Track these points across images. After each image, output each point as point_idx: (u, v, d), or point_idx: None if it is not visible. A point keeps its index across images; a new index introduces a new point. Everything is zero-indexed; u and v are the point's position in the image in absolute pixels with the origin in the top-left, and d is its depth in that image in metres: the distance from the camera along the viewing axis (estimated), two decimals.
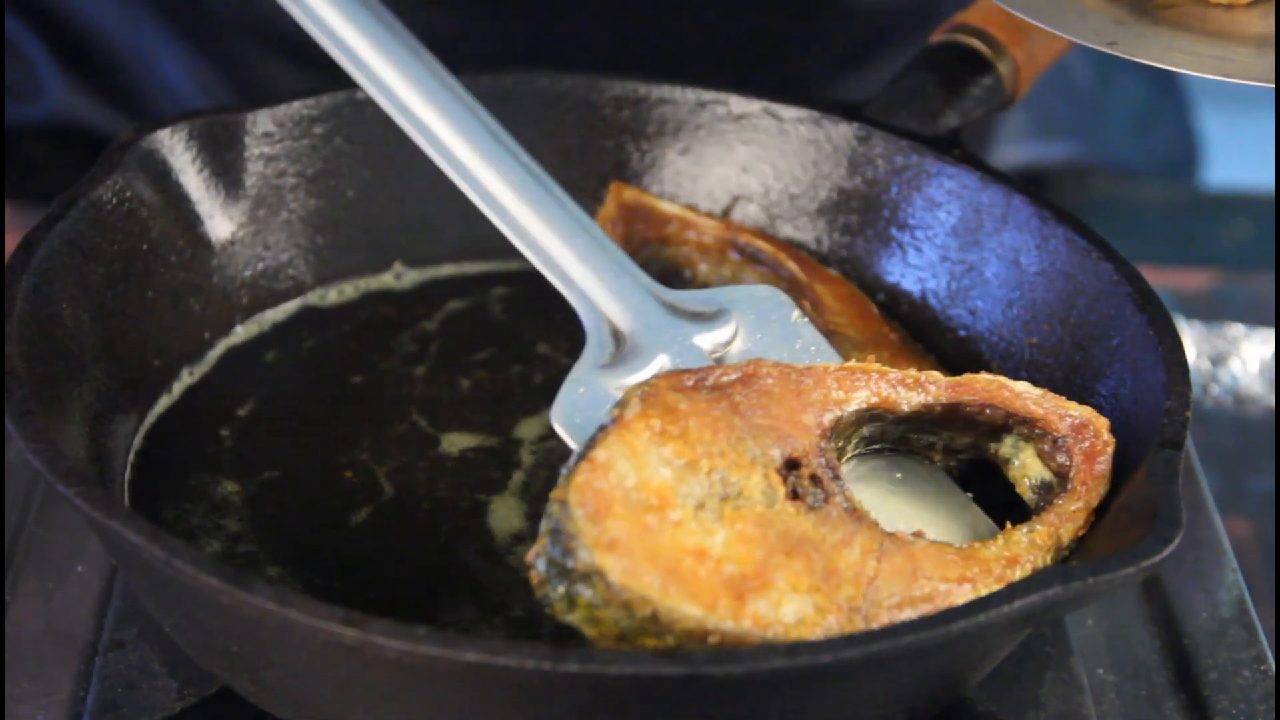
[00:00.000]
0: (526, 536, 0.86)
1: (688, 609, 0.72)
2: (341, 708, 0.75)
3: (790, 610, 0.73)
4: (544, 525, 0.73)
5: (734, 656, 0.70)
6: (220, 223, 0.95)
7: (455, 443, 0.91)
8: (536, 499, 0.88)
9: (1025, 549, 0.78)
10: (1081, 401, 0.88)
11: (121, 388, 0.89)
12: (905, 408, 0.82)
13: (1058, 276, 0.92)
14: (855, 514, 0.77)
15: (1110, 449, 0.81)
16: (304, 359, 0.96)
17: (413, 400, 0.94)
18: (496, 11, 1.23)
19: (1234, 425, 1.10)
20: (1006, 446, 0.84)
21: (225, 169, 0.95)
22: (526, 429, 0.93)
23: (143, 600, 0.83)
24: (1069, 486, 0.81)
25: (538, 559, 0.73)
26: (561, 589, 0.73)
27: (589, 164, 1.02)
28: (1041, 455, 0.83)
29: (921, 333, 0.96)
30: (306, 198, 0.98)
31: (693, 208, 1.00)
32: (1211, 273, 1.22)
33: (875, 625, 0.74)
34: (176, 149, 0.94)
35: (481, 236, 1.01)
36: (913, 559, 0.76)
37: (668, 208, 1.00)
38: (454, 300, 1.00)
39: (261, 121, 0.97)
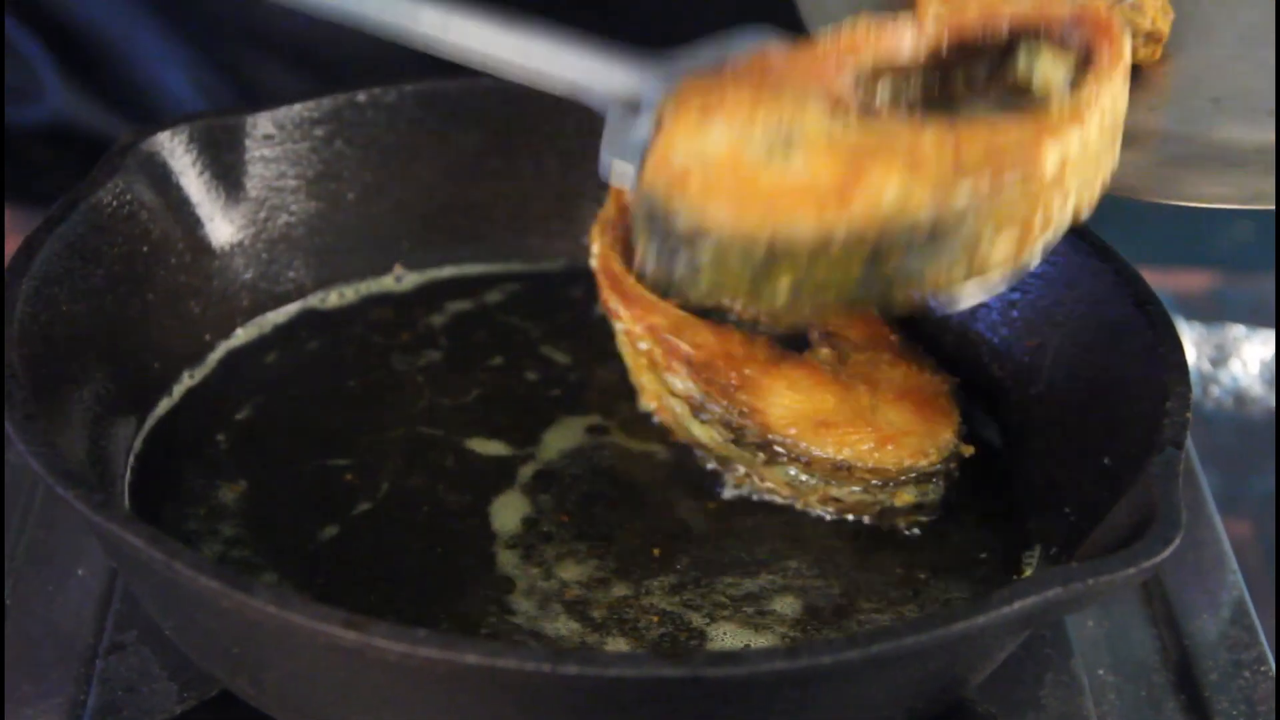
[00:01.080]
0: (525, 539, 0.86)
1: (798, 225, 0.73)
2: (342, 710, 0.75)
3: (891, 193, 0.74)
4: (637, 233, 0.76)
5: (734, 658, 0.70)
6: (221, 225, 0.95)
7: (456, 444, 0.92)
8: (539, 496, 0.89)
9: (1087, 100, 0.77)
10: (1081, 404, 0.88)
11: (122, 390, 0.89)
12: (908, 52, 0.81)
13: (1058, 279, 0.92)
14: (912, 117, 0.79)
15: (1116, 12, 0.81)
16: (305, 361, 0.96)
17: (413, 403, 0.94)
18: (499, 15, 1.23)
19: (1234, 426, 1.10)
20: (1022, 62, 0.82)
21: (226, 172, 0.95)
22: (528, 432, 0.93)
23: (143, 603, 0.83)
24: (1095, 51, 0.79)
25: (644, 263, 0.76)
26: (680, 266, 0.75)
27: (590, 165, 1.01)
28: (1058, 52, 0.81)
29: (922, 334, 0.96)
30: (307, 200, 0.99)
31: None
32: (1212, 274, 1.22)
33: (967, 180, 0.74)
34: (177, 152, 0.94)
35: (481, 238, 1.01)
36: (988, 125, 0.76)
37: None
38: (454, 302, 1.00)
39: (262, 124, 0.97)
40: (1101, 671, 0.88)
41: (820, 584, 0.85)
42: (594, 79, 0.85)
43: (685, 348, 0.91)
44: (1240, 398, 1.10)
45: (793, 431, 0.88)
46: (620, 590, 0.84)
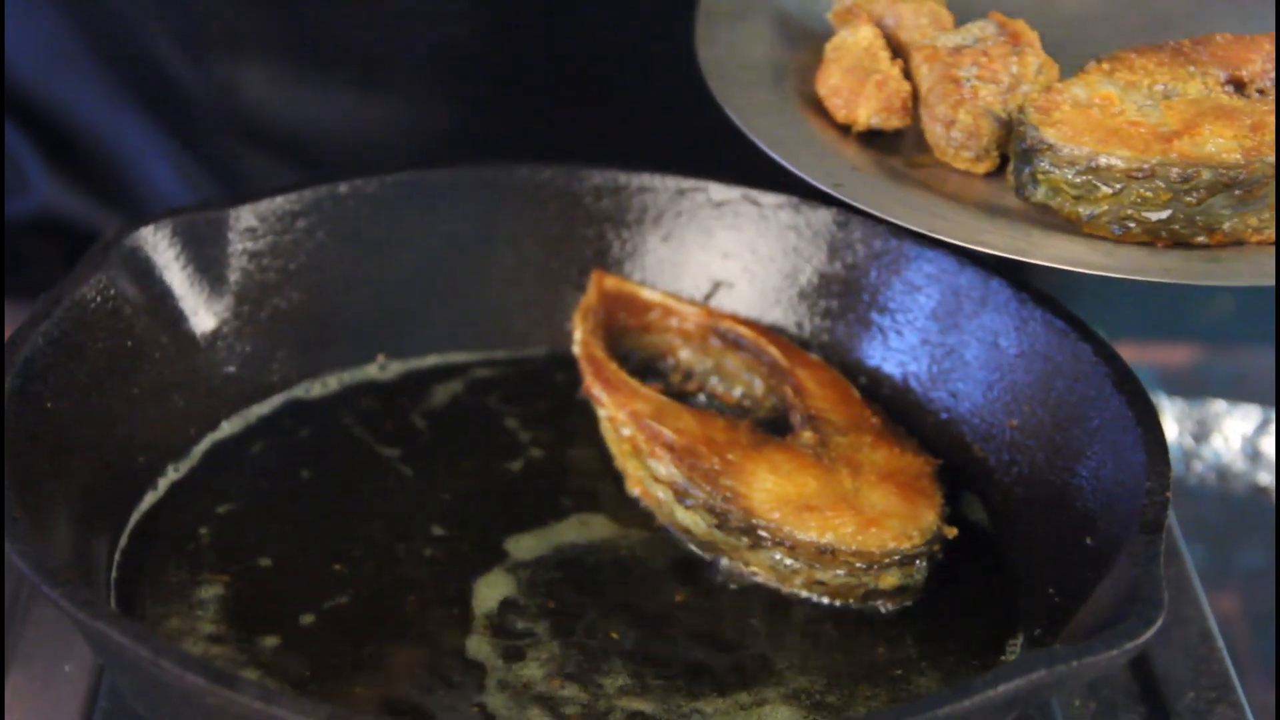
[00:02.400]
0: (504, 629, 0.86)
1: (1119, 153, 0.87)
2: None
3: (1213, 146, 0.88)
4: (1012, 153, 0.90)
5: None
6: (204, 318, 0.96)
7: (439, 534, 0.92)
8: (522, 586, 0.89)
9: None
10: (1063, 483, 0.88)
11: (107, 485, 0.89)
12: None
13: (1037, 358, 0.92)
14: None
15: None
16: (289, 452, 0.96)
17: (398, 492, 0.94)
18: (473, 103, 1.24)
19: (1218, 500, 1.11)
20: None
21: (209, 265, 0.96)
22: (512, 519, 0.93)
23: (129, 699, 0.83)
24: None
25: (1013, 173, 0.90)
26: (1026, 172, 0.89)
27: (571, 252, 1.03)
28: None
29: (903, 415, 0.96)
30: (289, 291, 0.99)
31: (674, 295, 1.01)
32: (1193, 348, 1.22)
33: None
34: (160, 246, 0.94)
35: (463, 326, 1.02)
36: None
37: (649, 295, 1.00)
38: (437, 391, 1.00)
39: (244, 217, 0.97)
40: None
41: (806, 671, 0.85)
42: None
43: (667, 434, 0.92)
44: (1223, 473, 1.10)
45: (776, 516, 0.88)
46: (598, 685, 0.84)
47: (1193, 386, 1.17)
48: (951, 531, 0.89)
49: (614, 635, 0.86)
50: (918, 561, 0.88)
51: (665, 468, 0.91)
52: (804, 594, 0.89)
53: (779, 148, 0.93)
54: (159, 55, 1.25)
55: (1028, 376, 0.93)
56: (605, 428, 0.96)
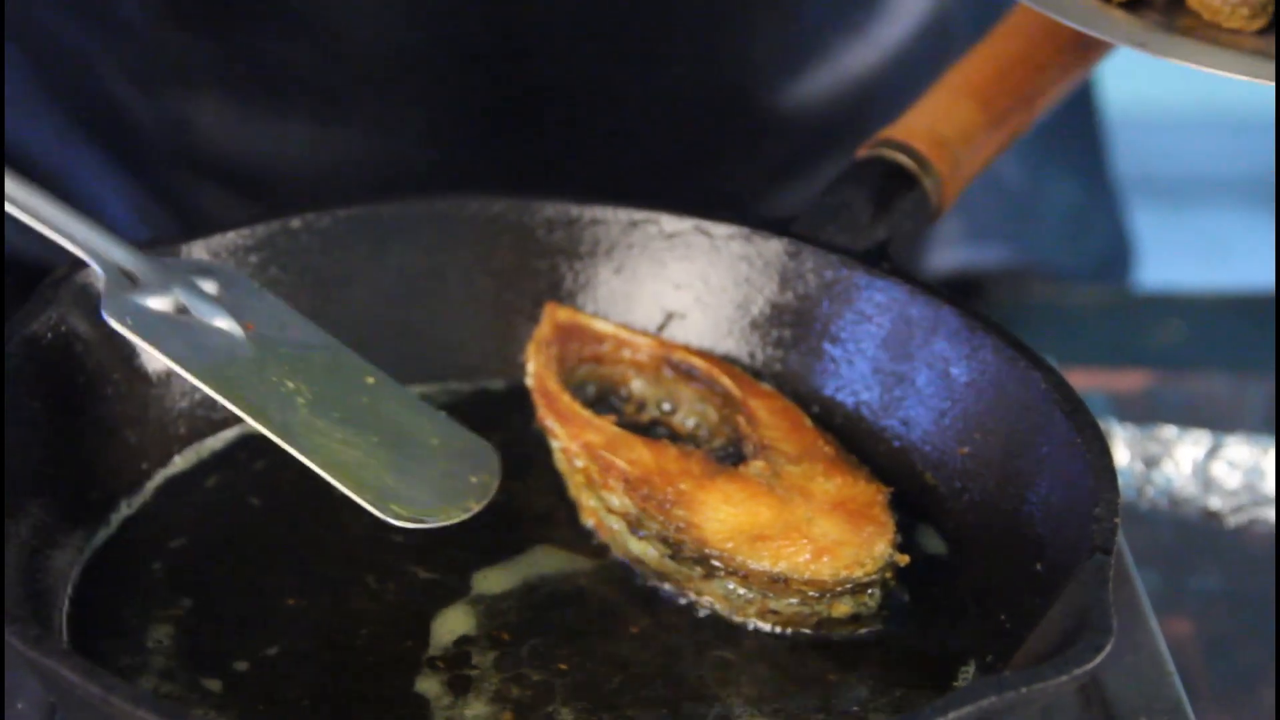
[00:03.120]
0: (457, 664, 0.86)
1: None
2: None
3: None
4: None
5: None
6: (155, 355, 0.96)
7: (396, 568, 0.92)
8: (479, 620, 0.89)
9: None
10: (1014, 510, 0.89)
11: (59, 522, 0.89)
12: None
13: (987, 386, 0.93)
14: None
15: None
16: (243, 488, 0.96)
17: (353, 526, 0.94)
18: (428, 135, 1.24)
19: (1171, 526, 1.11)
20: None
21: None
22: (469, 553, 0.93)
23: None
24: None
25: None
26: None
27: (524, 285, 1.03)
28: None
29: (856, 444, 0.97)
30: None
31: (627, 326, 1.01)
32: (1146, 374, 1.23)
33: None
34: None
35: (417, 358, 1.02)
36: None
37: (602, 326, 1.01)
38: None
39: (196, 252, 0.97)
40: None
41: (759, 702, 0.85)
42: (100, 250, 0.92)
43: (621, 464, 0.92)
44: (1174, 498, 1.10)
45: (729, 545, 0.89)
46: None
47: (1144, 412, 1.17)
48: (904, 559, 0.89)
49: (562, 667, 0.86)
50: (870, 590, 0.88)
51: (618, 499, 0.92)
52: (757, 624, 0.89)
53: (1069, 13, 0.93)
54: (110, 88, 1.25)
55: (979, 404, 0.93)
56: (559, 459, 0.96)
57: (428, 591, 0.90)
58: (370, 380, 0.95)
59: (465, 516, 0.90)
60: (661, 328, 1.02)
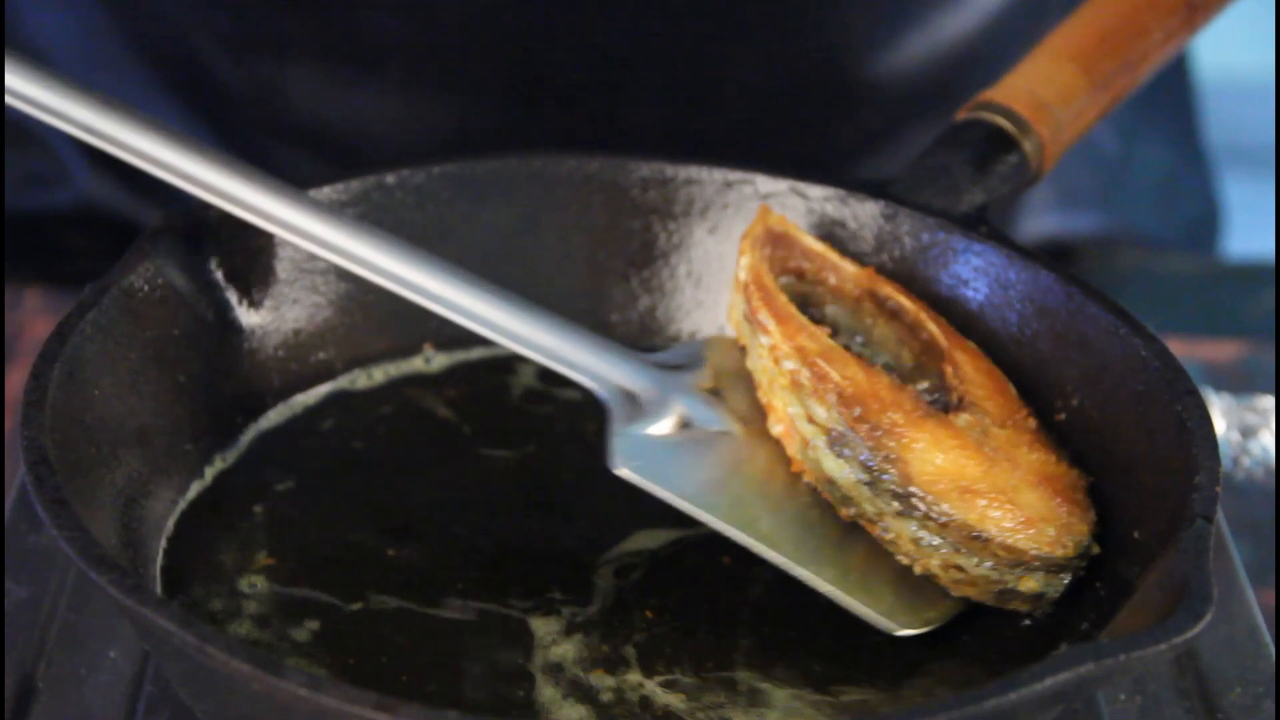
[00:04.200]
0: (570, 629, 0.86)
1: None
2: None
3: None
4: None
5: None
6: (250, 307, 0.96)
7: (490, 534, 0.91)
8: (591, 582, 0.89)
9: None
10: (1111, 479, 0.88)
11: (154, 473, 0.89)
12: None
13: (1085, 351, 0.92)
14: None
15: None
16: (336, 443, 0.96)
17: (449, 482, 0.94)
18: (519, 98, 1.24)
19: (1266, 497, 1.10)
20: None
21: (255, 254, 0.96)
22: (565, 511, 0.93)
23: (175, 686, 0.83)
24: None
25: None
26: None
27: (617, 245, 1.03)
28: None
29: None
30: (335, 281, 0.99)
31: (839, 250, 0.98)
32: (1240, 344, 1.22)
33: None
34: (207, 235, 0.94)
35: None
36: None
37: (812, 244, 0.97)
38: (484, 383, 1.00)
39: None
40: None
41: (852, 682, 0.85)
42: (600, 372, 0.91)
43: (836, 376, 0.89)
44: (1271, 469, 1.09)
45: (938, 487, 0.85)
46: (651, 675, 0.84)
47: (1240, 382, 1.16)
48: (1097, 549, 0.87)
49: (691, 642, 0.86)
50: (1063, 573, 0.86)
51: (826, 410, 0.88)
52: (937, 574, 0.87)
53: None
54: (200, 54, 1.26)
55: (1075, 369, 0.92)
56: (759, 357, 0.92)
57: (525, 552, 0.90)
58: None
59: (959, 611, 0.87)
60: None
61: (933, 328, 0.94)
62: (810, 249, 0.97)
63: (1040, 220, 1.38)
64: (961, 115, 1.00)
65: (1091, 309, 0.92)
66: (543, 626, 0.86)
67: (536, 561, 0.90)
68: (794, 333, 0.91)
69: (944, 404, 0.91)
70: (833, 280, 0.97)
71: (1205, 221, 1.51)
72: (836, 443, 0.88)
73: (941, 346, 0.93)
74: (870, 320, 0.96)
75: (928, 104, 1.28)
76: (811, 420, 0.89)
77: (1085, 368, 0.92)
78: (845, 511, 0.88)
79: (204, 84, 1.27)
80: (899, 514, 0.86)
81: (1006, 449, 0.88)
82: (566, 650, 0.85)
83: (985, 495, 0.85)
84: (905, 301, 0.95)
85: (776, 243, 0.96)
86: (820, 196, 1.00)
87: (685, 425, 0.90)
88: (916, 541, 0.86)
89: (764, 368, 0.92)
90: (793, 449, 0.90)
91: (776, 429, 0.91)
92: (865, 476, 0.87)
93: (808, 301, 0.97)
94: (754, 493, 0.88)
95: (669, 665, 0.85)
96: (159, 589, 0.87)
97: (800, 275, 0.97)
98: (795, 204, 1.01)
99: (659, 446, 0.89)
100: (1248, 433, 1.10)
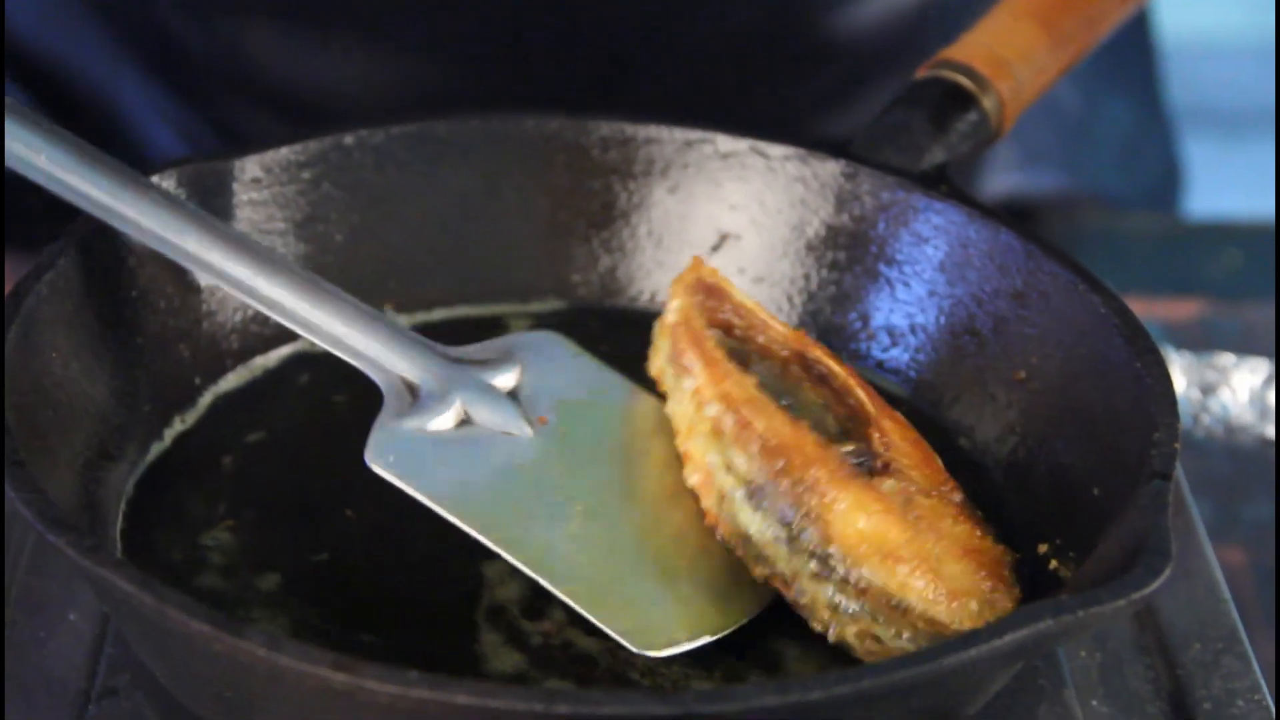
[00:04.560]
0: (517, 581, 0.86)
1: None
2: None
3: None
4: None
5: (725, 695, 0.70)
6: None
7: None
8: None
9: None
10: (1071, 436, 0.88)
11: (112, 436, 0.89)
12: None
13: (1045, 309, 0.92)
14: None
15: None
16: (295, 405, 0.96)
17: None
18: (480, 58, 1.24)
19: (1226, 454, 1.11)
20: None
21: (215, 214, 0.95)
22: None
23: (135, 647, 0.83)
24: None
25: None
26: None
27: (578, 205, 1.02)
28: None
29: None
30: (295, 242, 0.99)
31: (765, 309, 0.94)
32: (1200, 302, 1.22)
33: None
34: None
35: (470, 280, 1.01)
36: None
37: (743, 299, 0.93)
38: (446, 343, 0.99)
39: (249, 168, 0.97)
40: (1095, 702, 0.88)
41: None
42: (380, 360, 0.90)
43: (761, 426, 0.85)
44: (1230, 426, 1.10)
45: (861, 550, 0.82)
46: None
47: (1200, 340, 1.16)
48: None
49: None
50: None
51: (746, 461, 0.85)
52: (850, 644, 0.83)
53: None
54: (160, 11, 1.25)
55: (1034, 327, 0.92)
56: (680, 401, 0.89)
57: None
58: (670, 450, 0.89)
59: (718, 636, 0.83)
60: (716, 249, 1.01)
61: (860, 394, 0.90)
62: (741, 304, 0.93)
63: (1001, 179, 1.38)
64: (921, 73, 1.00)
65: (1051, 266, 0.92)
66: (505, 595, 0.86)
67: None
68: (720, 378, 0.87)
69: (869, 468, 0.86)
70: (761, 339, 0.92)
71: (1166, 181, 1.51)
72: (755, 495, 0.84)
73: (869, 413, 0.89)
74: (796, 383, 0.91)
75: (888, 62, 1.28)
76: (730, 470, 0.85)
77: (1044, 326, 0.92)
78: (759, 570, 0.84)
79: (164, 43, 1.27)
80: (816, 575, 0.82)
81: (931, 518, 0.84)
82: (509, 595, 0.85)
83: (907, 562, 0.81)
84: (834, 366, 0.91)
85: (709, 292, 0.93)
86: (780, 155, 1.00)
87: (465, 423, 0.88)
88: (834, 607, 0.82)
89: (684, 413, 0.88)
90: (708, 501, 0.86)
91: (693, 479, 0.87)
92: (783, 533, 0.83)
93: (733, 358, 0.91)
94: (518, 499, 0.86)
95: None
96: (119, 551, 0.86)
97: (729, 330, 0.92)
98: (756, 163, 1.01)
99: (423, 442, 0.87)
100: (1207, 390, 1.10)
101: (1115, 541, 0.79)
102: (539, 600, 0.85)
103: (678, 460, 0.88)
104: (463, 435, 0.88)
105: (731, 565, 0.85)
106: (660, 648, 0.82)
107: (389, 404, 0.88)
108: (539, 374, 0.92)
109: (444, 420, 0.88)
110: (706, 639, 0.83)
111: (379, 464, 0.86)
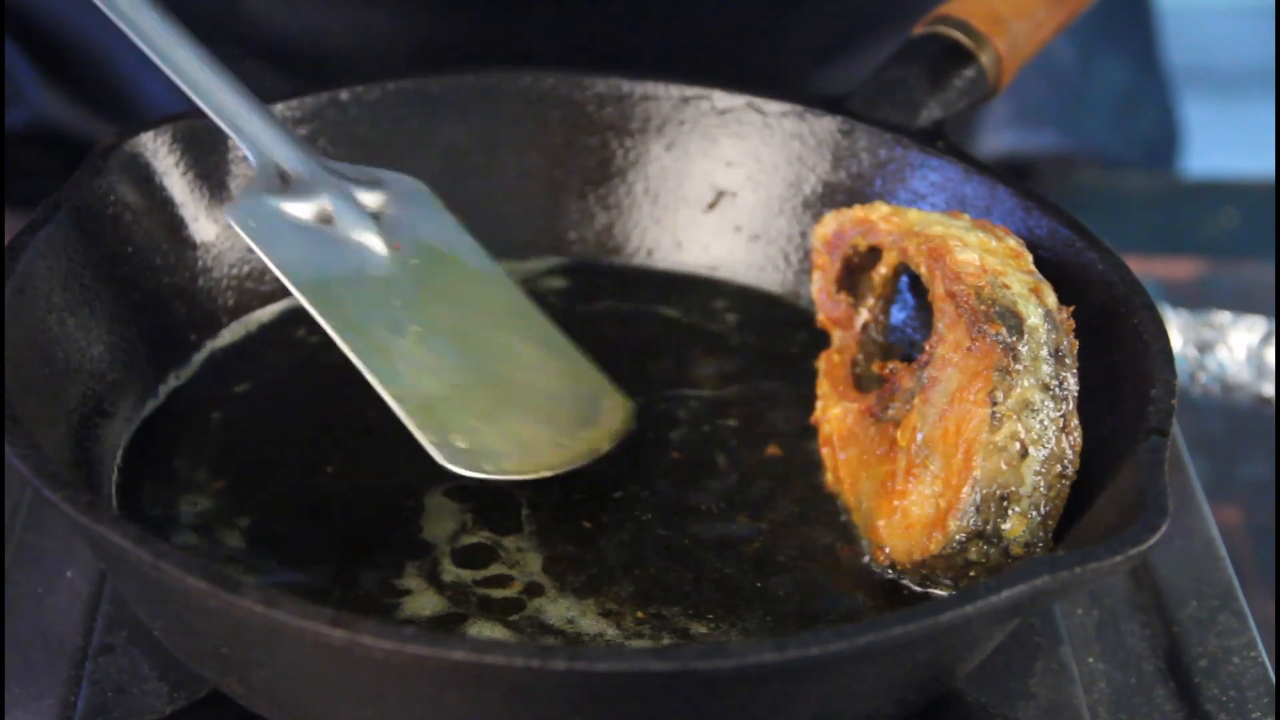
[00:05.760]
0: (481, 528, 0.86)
1: None
2: (331, 708, 0.75)
3: None
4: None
5: (722, 651, 0.70)
6: (205, 225, 0.95)
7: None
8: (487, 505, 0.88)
9: None
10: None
11: (108, 392, 0.89)
12: None
13: (1044, 267, 0.92)
14: None
15: None
16: (291, 361, 0.96)
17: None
18: (478, 12, 1.23)
19: (1222, 413, 1.11)
20: None
21: (209, 171, 0.95)
22: None
23: (131, 604, 0.83)
24: None
25: None
26: None
27: (573, 162, 1.02)
28: None
29: None
30: None
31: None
32: (1198, 261, 1.22)
33: None
34: (160, 152, 0.93)
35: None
36: None
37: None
38: None
39: None
40: (1091, 659, 0.88)
41: (801, 571, 0.85)
42: (264, 141, 0.92)
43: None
44: (1227, 385, 1.10)
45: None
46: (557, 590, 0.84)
47: (1197, 299, 1.16)
48: None
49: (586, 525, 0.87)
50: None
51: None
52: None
53: None
54: None
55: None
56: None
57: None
58: (516, 319, 0.94)
59: (525, 477, 0.87)
60: (712, 206, 1.01)
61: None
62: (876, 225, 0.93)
63: (999, 137, 1.38)
64: (918, 29, 1.00)
65: (1048, 223, 0.92)
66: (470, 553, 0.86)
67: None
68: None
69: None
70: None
71: (1163, 140, 1.51)
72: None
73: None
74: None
75: (885, 18, 1.28)
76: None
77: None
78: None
79: None
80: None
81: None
82: (462, 573, 0.85)
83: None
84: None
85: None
86: (777, 112, 1.00)
87: (326, 221, 0.91)
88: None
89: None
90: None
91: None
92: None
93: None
94: (362, 301, 0.90)
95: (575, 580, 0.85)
96: (115, 506, 0.86)
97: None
98: (752, 119, 1.00)
99: (285, 221, 0.90)
100: (1204, 348, 1.10)
101: (1112, 498, 0.79)
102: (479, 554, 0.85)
103: (515, 324, 0.92)
104: (322, 230, 0.91)
105: (552, 419, 0.90)
106: (462, 466, 0.85)
107: (259, 179, 0.91)
108: (403, 210, 0.94)
109: (306, 209, 0.91)
110: (511, 477, 0.87)
111: (240, 225, 0.89)
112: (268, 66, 1.26)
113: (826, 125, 0.99)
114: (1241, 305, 1.13)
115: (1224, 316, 1.11)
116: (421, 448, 0.86)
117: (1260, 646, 0.88)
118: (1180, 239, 1.28)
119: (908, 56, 0.99)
